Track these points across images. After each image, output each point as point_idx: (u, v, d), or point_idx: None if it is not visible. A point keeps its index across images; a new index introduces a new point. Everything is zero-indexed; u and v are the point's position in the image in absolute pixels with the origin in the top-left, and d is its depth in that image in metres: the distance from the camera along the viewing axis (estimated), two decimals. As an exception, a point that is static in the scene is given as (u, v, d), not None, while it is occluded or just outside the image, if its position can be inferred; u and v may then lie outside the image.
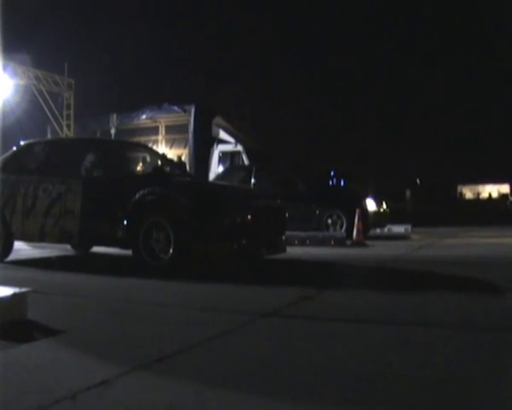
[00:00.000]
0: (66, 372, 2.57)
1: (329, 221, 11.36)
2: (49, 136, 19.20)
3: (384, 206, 12.90)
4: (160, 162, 8.31)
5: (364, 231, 10.78)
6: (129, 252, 6.45)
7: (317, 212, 11.48)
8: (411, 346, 3.05)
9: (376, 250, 9.36)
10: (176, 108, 19.06)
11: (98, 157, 7.13)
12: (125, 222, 6.32)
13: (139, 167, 7.96)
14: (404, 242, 11.17)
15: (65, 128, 20.31)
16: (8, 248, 7.41)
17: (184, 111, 18.74)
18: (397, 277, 6.13)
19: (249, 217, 6.31)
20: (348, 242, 10.34)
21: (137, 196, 6.32)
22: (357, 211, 10.51)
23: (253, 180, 12.19)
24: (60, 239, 7.26)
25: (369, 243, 10.47)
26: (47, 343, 3.10)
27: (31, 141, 8.42)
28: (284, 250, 7.03)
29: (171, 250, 5.98)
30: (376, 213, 12.17)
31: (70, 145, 8.37)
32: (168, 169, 8.17)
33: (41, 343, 3.09)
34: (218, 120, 18.55)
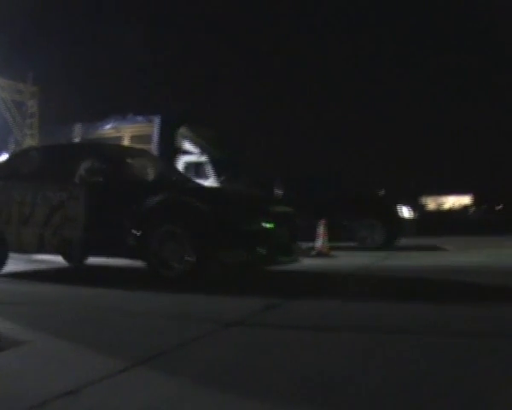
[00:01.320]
0: (33, 382, 2.58)
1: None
2: (12, 145, 18.86)
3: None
4: (162, 168, 8.05)
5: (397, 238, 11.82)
6: (123, 261, 6.19)
7: None
8: (377, 352, 3.13)
9: (341, 260, 9.43)
10: (140, 118, 18.86)
11: (101, 162, 6.67)
12: (136, 231, 5.93)
13: (142, 173, 7.59)
14: (370, 252, 11.22)
15: (28, 137, 19.98)
16: (2, 260, 6.99)
17: (149, 121, 18.59)
18: (363, 286, 6.22)
19: (266, 224, 6.03)
20: (313, 252, 10.33)
21: (149, 202, 5.95)
22: (322, 221, 10.50)
23: None
24: (60, 250, 6.91)
25: (333, 253, 10.46)
26: (14, 353, 3.09)
27: (27, 147, 8.15)
28: (297, 259, 6.75)
29: (186, 259, 5.67)
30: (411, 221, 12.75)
31: (70, 150, 7.90)
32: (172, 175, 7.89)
33: (8, 353, 3.08)
34: (182, 130, 18.42)
